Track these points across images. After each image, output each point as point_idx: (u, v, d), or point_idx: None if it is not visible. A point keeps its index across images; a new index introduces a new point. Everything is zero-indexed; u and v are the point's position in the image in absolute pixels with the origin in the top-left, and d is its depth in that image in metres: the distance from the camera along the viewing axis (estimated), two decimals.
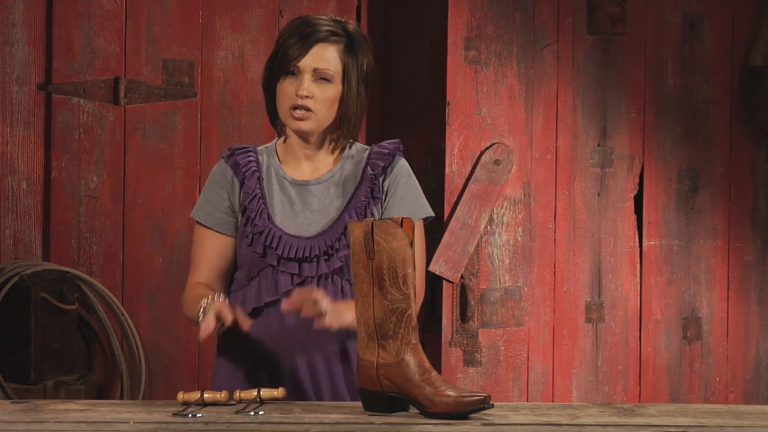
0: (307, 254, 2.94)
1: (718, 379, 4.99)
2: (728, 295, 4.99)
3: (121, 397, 4.74)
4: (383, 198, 3.01)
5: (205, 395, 2.74)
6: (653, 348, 4.93)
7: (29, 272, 4.53)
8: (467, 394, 2.69)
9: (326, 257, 2.96)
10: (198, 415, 2.64)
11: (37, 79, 4.71)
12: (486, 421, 2.62)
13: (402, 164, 3.05)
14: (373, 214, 2.99)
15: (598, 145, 4.87)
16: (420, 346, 2.73)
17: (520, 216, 4.74)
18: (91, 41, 4.71)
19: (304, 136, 3.02)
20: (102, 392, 4.79)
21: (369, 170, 3.02)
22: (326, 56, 2.96)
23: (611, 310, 4.88)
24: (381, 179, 3.02)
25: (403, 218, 2.73)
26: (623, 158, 4.89)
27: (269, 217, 2.98)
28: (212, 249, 3.03)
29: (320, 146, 3.04)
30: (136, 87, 4.75)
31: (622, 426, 2.60)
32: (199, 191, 4.82)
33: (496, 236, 4.71)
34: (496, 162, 4.69)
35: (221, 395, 2.75)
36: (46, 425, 2.56)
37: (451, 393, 2.68)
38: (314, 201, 3.00)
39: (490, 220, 4.70)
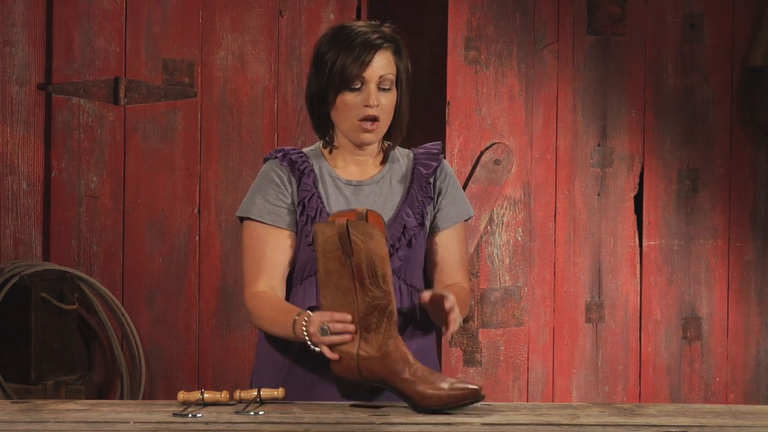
0: None
1: (718, 379, 4.99)
2: (728, 295, 4.99)
3: (121, 397, 4.74)
4: (434, 198, 3.02)
5: (205, 395, 2.73)
6: (653, 348, 4.93)
7: (29, 272, 4.53)
8: (458, 387, 2.70)
9: None
10: (198, 415, 2.64)
11: (37, 79, 4.71)
12: (486, 421, 2.62)
13: (448, 165, 3.08)
14: (427, 214, 2.99)
15: (598, 145, 4.87)
16: (401, 340, 2.76)
17: (520, 216, 4.75)
18: (91, 41, 4.72)
19: (367, 146, 3.01)
20: (102, 392, 4.79)
21: (422, 170, 3.02)
22: (386, 63, 2.93)
23: (611, 310, 4.89)
24: (432, 179, 3.03)
25: (368, 210, 2.76)
26: (623, 158, 4.89)
27: (328, 217, 2.96)
28: (277, 247, 2.95)
29: (372, 151, 3.03)
30: (136, 87, 4.76)
31: (622, 426, 2.60)
32: (200, 191, 4.82)
33: (496, 236, 4.71)
34: (496, 162, 4.69)
35: (221, 395, 2.75)
36: (46, 425, 2.56)
37: (442, 386, 2.70)
38: (368, 200, 2.98)
39: (490, 220, 4.70)
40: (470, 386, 2.71)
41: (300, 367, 2.95)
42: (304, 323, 2.80)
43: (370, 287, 2.73)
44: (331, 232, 2.74)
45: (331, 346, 2.77)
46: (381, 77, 2.93)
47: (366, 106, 2.92)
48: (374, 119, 2.93)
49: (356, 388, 2.81)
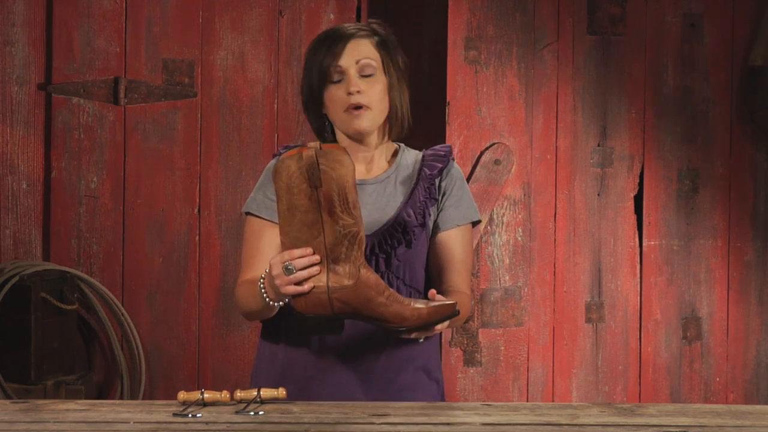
0: (365, 251, 2.92)
1: (718, 379, 4.99)
2: (728, 295, 4.99)
3: (121, 397, 4.74)
4: (439, 199, 3.02)
5: (205, 395, 2.73)
6: (653, 348, 4.93)
7: (29, 272, 4.53)
8: (435, 305, 2.71)
9: (384, 255, 2.95)
10: (198, 415, 2.64)
11: (37, 79, 4.71)
12: (486, 421, 2.62)
13: (457, 168, 3.07)
14: (430, 215, 2.99)
15: (598, 145, 4.87)
16: (368, 266, 2.74)
17: (520, 216, 4.75)
18: (91, 41, 4.72)
19: (361, 137, 3.00)
20: (102, 392, 4.79)
21: (426, 171, 3.02)
22: (363, 49, 2.95)
23: (611, 310, 4.89)
24: (438, 180, 3.03)
25: (321, 143, 2.74)
26: (623, 158, 4.89)
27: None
28: (270, 242, 2.96)
29: (375, 148, 3.03)
30: (136, 87, 4.76)
31: (622, 426, 2.60)
32: (200, 191, 4.82)
33: (496, 236, 4.71)
34: (496, 162, 4.69)
35: (221, 395, 2.75)
36: (46, 425, 2.56)
37: (418, 305, 2.71)
38: (370, 200, 2.99)
39: (490, 220, 4.70)
40: (446, 302, 2.72)
41: (298, 364, 2.96)
42: (262, 278, 2.80)
43: (341, 215, 2.70)
44: (297, 165, 2.71)
45: (299, 283, 2.73)
46: (358, 62, 2.94)
47: (349, 94, 2.93)
48: (360, 107, 2.94)
49: (326, 325, 2.76)
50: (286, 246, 2.74)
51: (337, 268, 2.72)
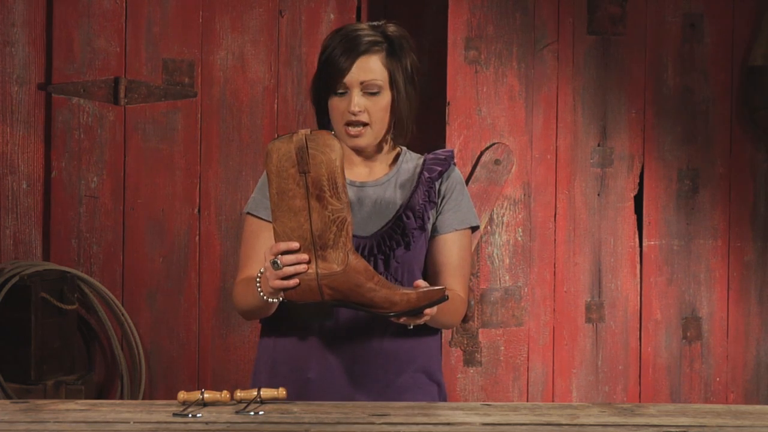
0: (364, 253, 2.93)
1: (718, 379, 4.99)
2: (728, 295, 4.99)
3: (121, 397, 4.74)
4: (438, 202, 3.02)
5: (205, 395, 2.73)
6: (653, 348, 4.93)
7: (29, 272, 4.53)
8: (424, 290, 2.73)
9: (383, 257, 2.95)
10: (198, 415, 2.64)
11: (37, 79, 4.71)
12: (486, 421, 2.62)
13: (457, 172, 3.07)
14: (429, 218, 2.99)
15: (598, 145, 4.87)
16: (356, 252, 2.76)
17: (520, 216, 4.75)
18: (91, 41, 4.72)
19: (360, 150, 3.01)
20: (102, 392, 4.79)
21: (426, 174, 3.03)
22: (370, 67, 2.93)
23: (611, 310, 4.89)
24: (438, 183, 3.03)
25: (311, 130, 2.75)
26: (623, 158, 4.89)
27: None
28: (267, 242, 2.95)
29: (376, 152, 3.03)
30: (136, 87, 4.76)
31: (622, 426, 2.60)
32: (200, 191, 4.82)
33: (496, 236, 4.71)
34: (496, 162, 4.69)
35: (221, 395, 2.75)
36: (46, 425, 2.56)
37: (407, 291, 2.72)
38: (370, 201, 3.00)
39: (490, 220, 4.70)
40: (435, 287, 2.74)
41: (296, 365, 2.96)
42: (259, 274, 2.82)
43: (331, 200, 2.71)
44: (287, 147, 2.72)
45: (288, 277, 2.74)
46: (363, 82, 2.93)
47: (349, 112, 2.93)
48: (359, 124, 2.94)
49: (315, 312, 2.77)
50: (277, 233, 2.75)
51: (326, 255, 2.73)
